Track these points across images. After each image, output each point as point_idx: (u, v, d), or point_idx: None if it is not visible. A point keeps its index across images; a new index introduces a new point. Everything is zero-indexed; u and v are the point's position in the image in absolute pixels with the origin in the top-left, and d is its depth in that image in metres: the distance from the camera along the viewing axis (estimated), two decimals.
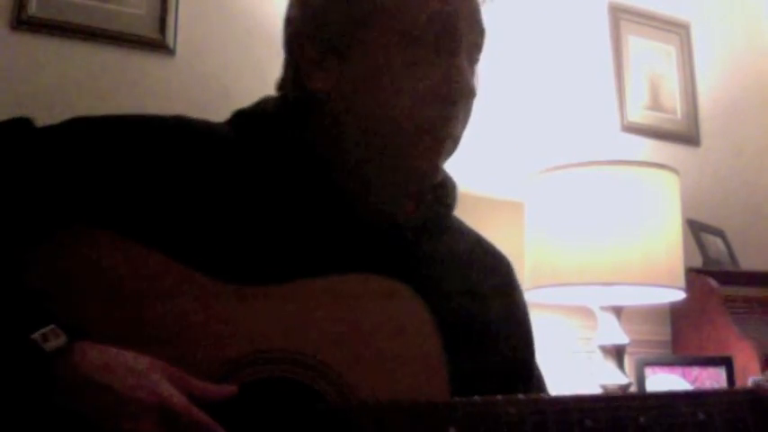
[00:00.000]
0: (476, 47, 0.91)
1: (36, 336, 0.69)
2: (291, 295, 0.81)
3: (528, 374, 1.01)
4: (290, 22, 0.94)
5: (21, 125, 0.88)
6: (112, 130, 0.88)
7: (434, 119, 0.87)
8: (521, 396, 0.81)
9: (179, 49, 1.77)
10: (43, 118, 1.59)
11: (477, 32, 0.90)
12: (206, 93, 1.73)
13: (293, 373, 0.79)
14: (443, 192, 0.99)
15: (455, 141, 0.92)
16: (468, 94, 0.88)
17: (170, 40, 1.76)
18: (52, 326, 0.70)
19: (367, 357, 0.80)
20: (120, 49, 1.71)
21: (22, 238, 0.78)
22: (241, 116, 0.95)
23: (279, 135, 0.91)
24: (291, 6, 0.95)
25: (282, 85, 0.96)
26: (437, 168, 0.91)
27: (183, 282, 0.79)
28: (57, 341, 0.70)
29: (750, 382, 0.93)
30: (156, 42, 1.74)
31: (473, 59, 0.91)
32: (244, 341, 0.78)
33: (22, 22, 1.62)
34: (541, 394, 0.85)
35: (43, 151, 0.85)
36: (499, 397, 0.80)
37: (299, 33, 0.92)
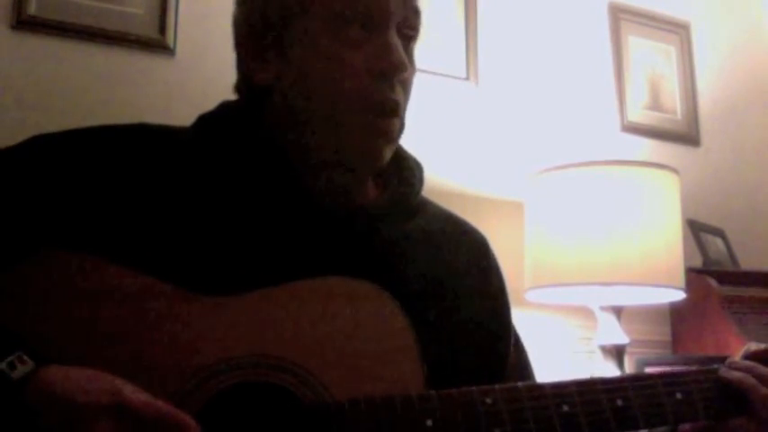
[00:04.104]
0: (408, 25, 0.93)
1: (3, 365, 0.69)
2: (261, 302, 0.81)
3: (503, 352, 1.01)
4: (235, 23, 0.97)
5: None
6: (73, 146, 0.88)
7: (374, 96, 0.89)
8: (496, 386, 0.82)
9: (179, 49, 1.77)
10: (43, 118, 1.59)
11: (409, 11, 0.93)
12: (206, 93, 1.71)
13: (268, 377, 0.79)
14: (409, 173, 1.00)
15: (401, 120, 0.94)
16: (399, 67, 0.90)
17: (170, 40, 1.76)
18: (18, 353, 0.70)
19: (341, 357, 0.80)
20: (120, 49, 1.71)
21: None
22: (203, 120, 0.97)
23: (237, 135, 0.93)
24: (235, 7, 0.97)
25: (237, 86, 0.98)
26: (383, 150, 0.92)
27: (153, 295, 0.79)
28: (24, 368, 0.69)
29: (733, 358, 0.95)
30: (156, 42, 1.74)
31: (407, 37, 0.94)
32: (217, 348, 0.78)
33: (22, 22, 1.62)
34: (518, 383, 0.85)
35: (5, 173, 0.85)
36: (475, 388, 0.81)
37: (242, 32, 0.95)
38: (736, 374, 0.90)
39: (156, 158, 0.89)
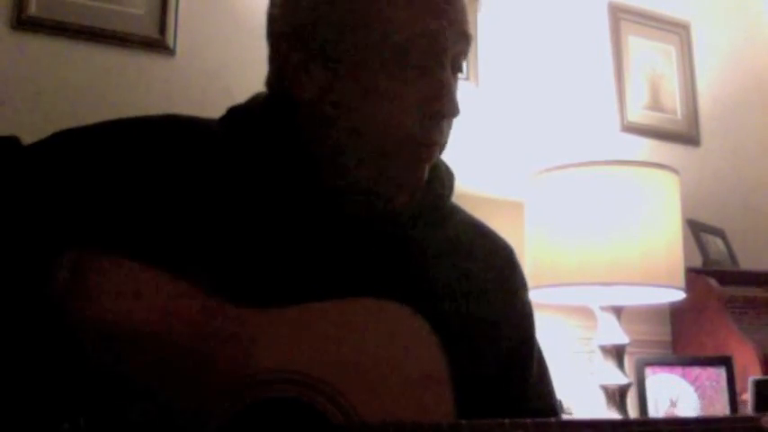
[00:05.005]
0: (461, 54, 0.90)
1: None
2: (294, 318, 0.80)
3: (526, 362, 1.01)
4: (273, 19, 0.92)
5: (8, 145, 0.87)
6: (105, 141, 0.87)
7: (423, 135, 0.87)
8: (528, 420, 0.80)
9: (179, 49, 1.77)
10: (43, 118, 1.59)
11: (463, 41, 0.89)
12: (206, 92, 1.73)
13: (297, 394, 0.78)
14: (439, 183, 0.99)
15: (442, 148, 0.92)
16: (454, 111, 0.88)
17: (170, 40, 1.76)
18: (80, 418, 0.70)
19: (372, 379, 0.79)
20: (120, 49, 1.71)
21: (22, 263, 0.77)
22: (233, 113, 0.94)
23: (266, 134, 0.90)
24: (275, 5, 0.93)
25: (270, 82, 0.94)
26: (423, 177, 0.91)
27: (183, 302, 0.78)
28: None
29: (750, 381, 0.94)
30: (156, 42, 1.74)
31: (457, 66, 0.91)
32: (248, 362, 0.78)
33: (22, 22, 1.62)
34: (551, 418, 0.84)
35: (35, 170, 0.84)
36: (507, 420, 0.79)
37: (284, 35, 0.90)
38: None
39: (190, 155, 0.87)
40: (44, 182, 0.83)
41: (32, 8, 1.63)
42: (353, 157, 0.88)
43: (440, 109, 0.86)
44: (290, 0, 0.90)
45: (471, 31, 0.91)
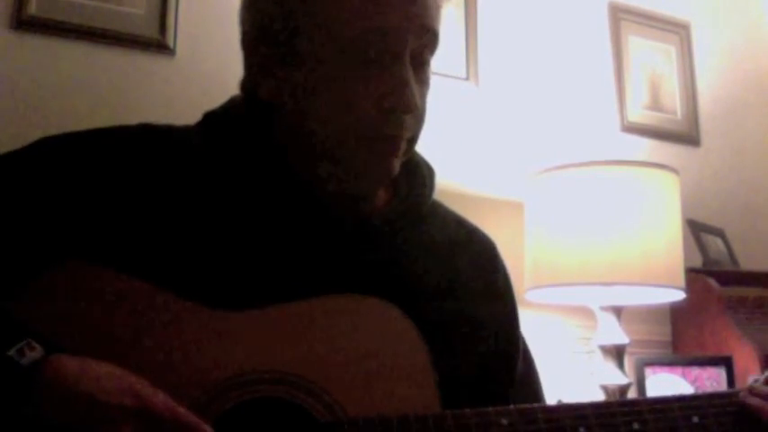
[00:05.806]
0: (425, 48, 0.89)
1: (12, 352, 0.69)
2: (277, 318, 0.81)
3: (512, 358, 1.01)
4: (241, 22, 0.93)
5: None
6: (82, 149, 0.87)
7: (383, 131, 0.86)
8: (512, 406, 0.81)
9: (179, 49, 1.77)
10: (43, 118, 1.59)
11: (426, 36, 0.88)
12: (206, 93, 1.72)
13: (282, 393, 0.78)
14: (420, 181, 0.99)
15: (410, 142, 0.91)
16: (409, 107, 0.86)
17: (170, 40, 1.76)
18: (27, 340, 0.70)
19: (355, 375, 0.80)
20: (120, 49, 1.71)
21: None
22: (210, 118, 0.95)
23: (244, 137, 0.91)
24: (242, 7, 0.94)
25: (243, 85, 0.95)
26: (393, 170, 0.90)
27: (168, 308, 0.79)
28: (33, 354, 0.70)
29: (749, 380, 0.94)
30: (156, 42, 1.74)
31: (422, 61, 0.89)
32: (232, 364, 0.78)
33: (22, 22, 1.62)
34: (534, 404, 0.84)
35: (14, 177, 0.85)
36: (491, 408, 0.80)
37: (249, 35, 0.91)
38: (756, 401, 0.89)
39: (166, 163, 0.88)
40: (19, 191, 0.83)
41: (32, 8, 1.63)
42: (319, 155, 0.88)
43: (395, 104, 0.86)
44: (253, 1, 0.91)
45: (436, 25, 0.89)
